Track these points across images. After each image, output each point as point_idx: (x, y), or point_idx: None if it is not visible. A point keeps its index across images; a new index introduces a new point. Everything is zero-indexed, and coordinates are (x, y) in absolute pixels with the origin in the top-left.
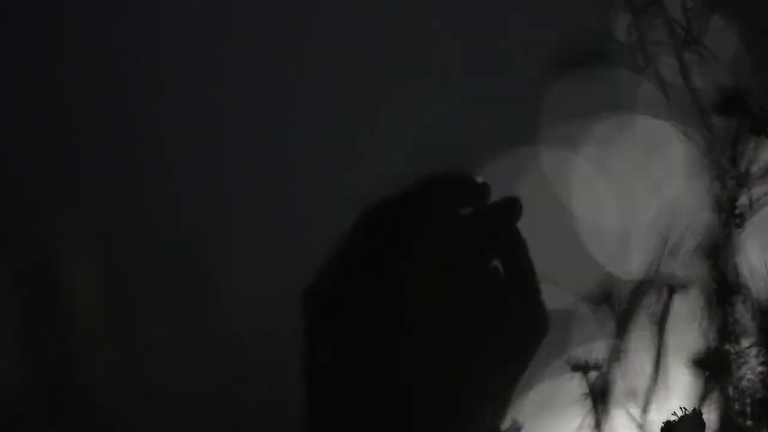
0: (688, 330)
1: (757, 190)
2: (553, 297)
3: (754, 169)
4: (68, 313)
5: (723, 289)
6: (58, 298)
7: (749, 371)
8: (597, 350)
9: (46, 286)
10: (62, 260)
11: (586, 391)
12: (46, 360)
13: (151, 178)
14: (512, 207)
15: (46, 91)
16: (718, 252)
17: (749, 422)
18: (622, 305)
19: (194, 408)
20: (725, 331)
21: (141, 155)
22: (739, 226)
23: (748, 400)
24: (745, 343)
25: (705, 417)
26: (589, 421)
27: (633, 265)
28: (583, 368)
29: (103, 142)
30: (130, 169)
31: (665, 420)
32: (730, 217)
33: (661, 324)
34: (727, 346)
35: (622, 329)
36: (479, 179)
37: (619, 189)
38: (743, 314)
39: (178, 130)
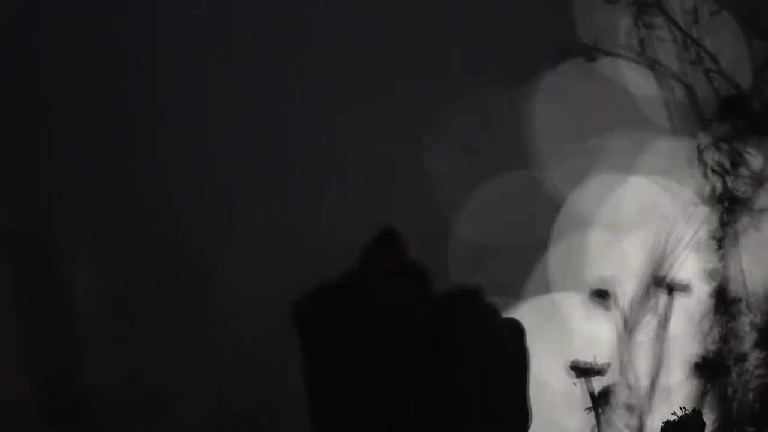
0: (688, 332)
1: (758, 190)
2: (555, 299)
3: (754, 168)
4: (68, 313)
5: (723, 290)
6: (58, 298)
7: (749, 372)
8: (599, 354)
9: (46, 286)
10: (62, 260)
11: (588, 394)
12: (46, 360)
13: (151, 178)
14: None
15: (46, 91)
16: (719, 253)
17: (748, 423)
18: (624, 307)
19: (194, 408)
20: (725, 332)
21: (141, 155)
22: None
23: (747, 401)
24: (744, 344)
25: (705, 417)
26: (591, 423)
27: (634, 267)
28: (584, 372)
29: (103, 142)
30: (130, 168)
31: (665, 420)
32: (730, 217)
33: (661, 326)
34: (726, 348)
35: (623, 331)
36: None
37: (620, 188)
38: (743, 316)
39: (178, 130)
